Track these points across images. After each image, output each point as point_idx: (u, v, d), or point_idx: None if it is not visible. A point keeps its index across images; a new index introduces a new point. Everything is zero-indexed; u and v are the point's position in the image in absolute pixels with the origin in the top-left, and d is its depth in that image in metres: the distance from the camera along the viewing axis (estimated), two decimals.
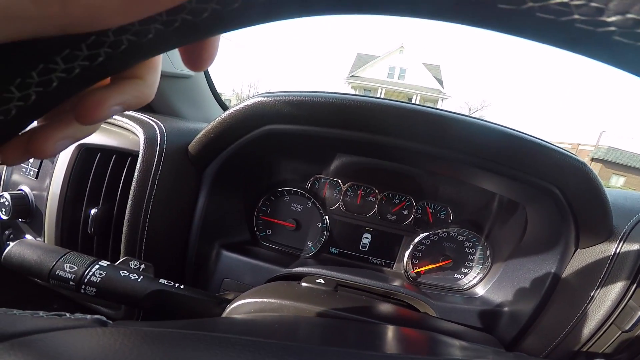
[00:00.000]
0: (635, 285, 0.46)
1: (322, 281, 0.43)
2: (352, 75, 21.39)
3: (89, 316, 0.23)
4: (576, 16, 0.12)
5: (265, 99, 0.47)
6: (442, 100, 21.04)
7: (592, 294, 0.46)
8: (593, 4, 0.11)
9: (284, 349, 0.20)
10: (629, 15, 0.11)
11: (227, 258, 0.60)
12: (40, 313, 0.22)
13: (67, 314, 0.23)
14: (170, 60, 0.83)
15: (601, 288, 0.45)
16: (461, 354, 0.30)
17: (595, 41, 0.12)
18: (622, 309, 0.47)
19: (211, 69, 0.98)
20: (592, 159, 16.52)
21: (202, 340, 0.20)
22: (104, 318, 0.23)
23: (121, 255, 0.53)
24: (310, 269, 0.55)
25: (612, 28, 0.12)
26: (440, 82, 21.07)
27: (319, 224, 0.71)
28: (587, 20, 0.12)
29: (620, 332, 0.48)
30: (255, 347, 0.20)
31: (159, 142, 0.52)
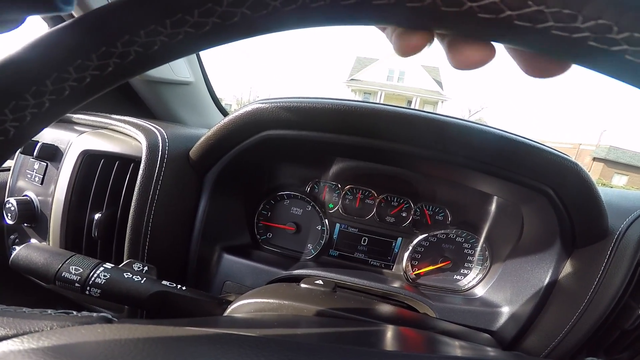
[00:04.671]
0: (633, 284, 0.47)
1: (321, 282, 0.44)
2: (352, 79, 21.46)
3: (95, 314, 0.24)
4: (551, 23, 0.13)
5: (264, 105, 0.48)
6: (442, 102, 21.06)
7: (590, 293, 0.46)
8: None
9: (283, 345, 0.21)
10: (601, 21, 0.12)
11: (229, 261, 0.61)
12: (49, 311, 0.23)
13: (74, 312, 0.24)
14: (171, 68, 0.84)
15: (599, 287, 0.46)
16: (460, 353, 0.31)
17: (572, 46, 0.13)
18: (621, 307, 0.47)
19: (211, 75, 1.00)
20: (594, 159, 16.46)
21: (204, 335, 0.20)
22: (109, 315, 0.24)
23: (124, 259, 0.54)
24: (310, 271, 0.55)
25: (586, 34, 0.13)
26: (439, 84, 21.09)
27: (319, 227, 0.72)
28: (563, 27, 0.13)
29: (619, 330, 0.49)
30: (255, 343, 0.20)
31: (160, 147, 0.53)
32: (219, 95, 1.06)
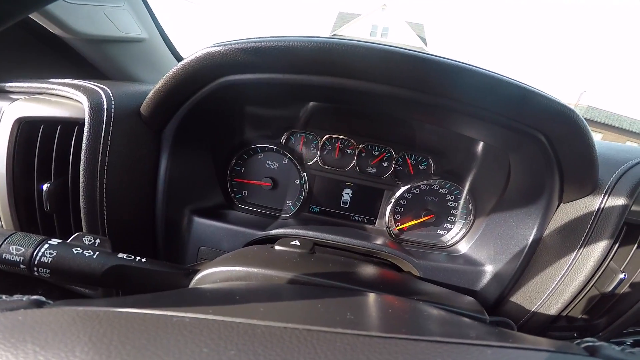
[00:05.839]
0: (617, 245, 0.45)
1: (298, 243, 0.41)
2: (334, 35, 20.45)
3: (25, 297, 0.22)
4: None
5: (217, 48, 0.41)
6: None
7: (574, 254, 0.44)
8: None
9: (230, 327, 0.18)
10: None
11: (201, 225, 0.57)
12: None
13: (4, 296, 0.23)
14: (115, 25, 0.76)
15: (584, 247, 0.43)
16: (444, 329, 0.27)
17: None
18: (604, 270, 0.45)
19: (174, 34, 0.94)
20: None
21: (135, 319, 0.17)
22: (42, 298, 0.22)
23: (84, 232, 0.49)
24: (288, 230, 0.52)
25: None
26: (424, 40, 20.43)
27: (297, 181, 0.68)
28: None
29: (600, 295, 0.47)
30: (201, 327, 0.17)
31: (105, 106, 0.46)
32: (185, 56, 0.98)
